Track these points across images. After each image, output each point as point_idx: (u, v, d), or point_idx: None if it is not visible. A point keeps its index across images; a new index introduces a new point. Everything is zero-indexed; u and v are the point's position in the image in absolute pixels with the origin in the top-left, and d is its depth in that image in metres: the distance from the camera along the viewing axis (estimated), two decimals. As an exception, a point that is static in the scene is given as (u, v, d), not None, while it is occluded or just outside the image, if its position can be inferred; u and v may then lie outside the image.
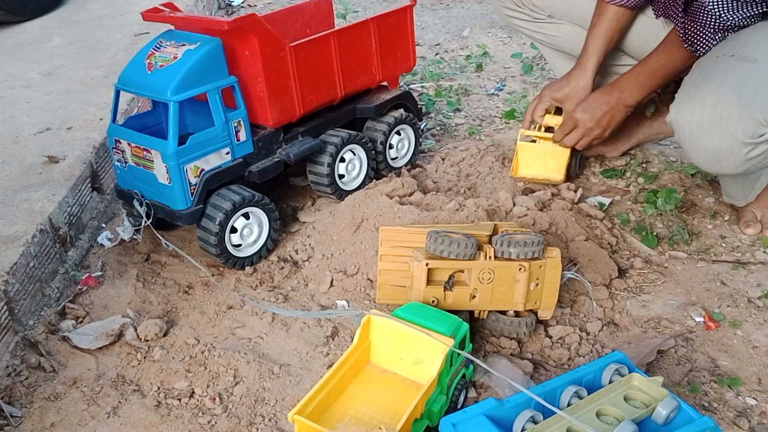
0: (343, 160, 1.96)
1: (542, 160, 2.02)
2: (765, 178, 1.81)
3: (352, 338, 1.36)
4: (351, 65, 1.94)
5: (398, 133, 2.10)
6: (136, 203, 1.74)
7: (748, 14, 1.63)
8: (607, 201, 1.98)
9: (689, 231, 1.86)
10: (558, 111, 2.03)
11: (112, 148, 1.75)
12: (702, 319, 1.58)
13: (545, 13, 2.07)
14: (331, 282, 1.68)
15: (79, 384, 1.46)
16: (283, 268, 1.78)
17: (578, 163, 2.08)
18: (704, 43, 1.71)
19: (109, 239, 1.91)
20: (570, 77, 1.95)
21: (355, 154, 1.99)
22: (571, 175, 2.05)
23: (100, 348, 1.55)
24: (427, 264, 1.41)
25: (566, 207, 1.89)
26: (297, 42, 1.79)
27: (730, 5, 1.63)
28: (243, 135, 1.75)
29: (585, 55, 1.92)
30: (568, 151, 1.99)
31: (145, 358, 1.52)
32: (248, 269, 1.78)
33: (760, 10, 1.63)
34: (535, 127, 2.05)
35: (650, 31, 1.96)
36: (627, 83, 1.86)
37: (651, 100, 2.16)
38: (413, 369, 1.31)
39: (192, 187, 1.67)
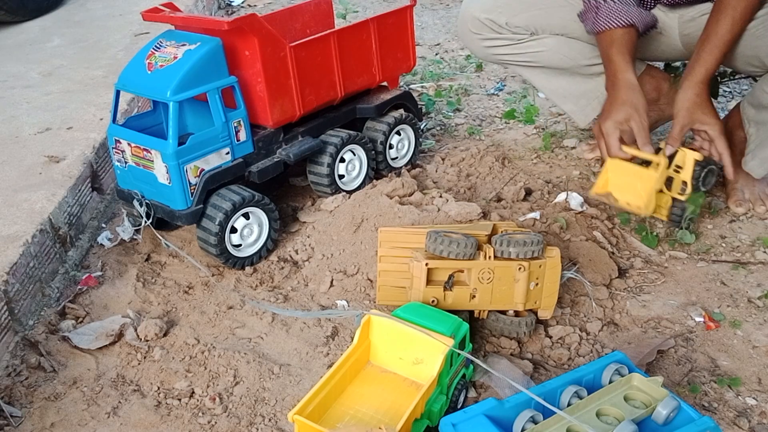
0: (343, 160, 1.96)
1: (632, 183, 1.75)
2: None
3: (352, 338, 1.36)
4: (351, 65, 1.94)
5: (398, 133, 2.10)
6: (136, 203, 1.74)
7: None
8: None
9: (689, 231, 1.86)
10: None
11: (112, 148, 1.75)
12: (702, 319, 1.58)
13: (527, 32, 2.03)
14: (331, 282, 1.68)
15: (79, 384, 1.46)
16: (283, 268, 1.78)
17: (702, 180, 1.76)
18: None
19: (109, 239, 1.91)
20: (616, 98, 1.77)
21: (355, 154, 1.99)
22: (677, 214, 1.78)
23: (100, 348, 1.55)
24: (426, 264, 1.41)
25: (566, 207, 1.89)
26: (297, 42, 1.79)
27: None
28: (243, 135, 1.75)
29: (617, 72, 1.78)
30: (654, 178, 1.72)
31: (145, 358, 1.52)
32: (248, 269, 1.78)
33: None
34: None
35: None
36: (695, 65, 1.74)
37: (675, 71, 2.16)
38: (413, 369, 1.31)
39: (192, 187, 1.67)
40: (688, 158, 1.74)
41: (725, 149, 1.74)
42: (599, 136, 1.79)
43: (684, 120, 1.75)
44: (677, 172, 1.76)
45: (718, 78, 2.26)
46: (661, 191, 1.77)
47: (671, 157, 1.75)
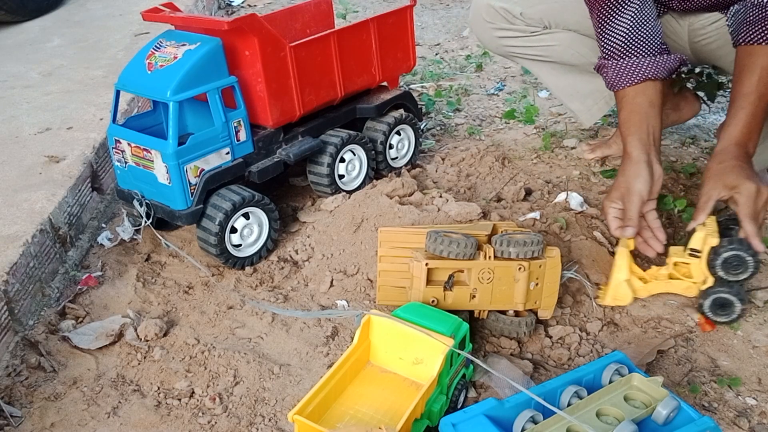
0: (343, 160, 1.96)
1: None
2: None
3: (352, 338, 1.36)
4: (351, 65, 1.94)
5: (398, 133, 2.10)
6: (136, 203, 1.74)
7: None
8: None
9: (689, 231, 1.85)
10: None
11: (112, 148, 1.75)
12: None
13: (541, 25, 2.01)
14: (331, 282, 1.68)
15: (79, 384, 1.46)
16: (283, 268, 1.78)
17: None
18: None
19: (109, 239, 1.91)
20: (618, 174, 1.61)
21: (355, 154, 1.99)
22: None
23: (100, 348, 1.55)
24: (426, 264, 1.41)
25: (566, 207, 1.89)
26: (297, 42, 1.79)
27: None
28: (243, 135, 1.75)
29: (624, 144, 1.60)
30: (615, 266, 1.57)
31: (145, 358, 1.52)
32: (248, 269, 1.78)
33: None
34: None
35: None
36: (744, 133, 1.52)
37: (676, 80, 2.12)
38: (413, 369, 1.31)
39: (192, 187, 1.67)
40: (703, 240, 1.49)
41: (746, 216, 1.43)
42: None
43: (708, 189, 1.50)
44: (694, 256, 1.52)
45: (718, 82, 2.25)
46: (677, 279, 1.57)
47: (690, 236, 1.53)
